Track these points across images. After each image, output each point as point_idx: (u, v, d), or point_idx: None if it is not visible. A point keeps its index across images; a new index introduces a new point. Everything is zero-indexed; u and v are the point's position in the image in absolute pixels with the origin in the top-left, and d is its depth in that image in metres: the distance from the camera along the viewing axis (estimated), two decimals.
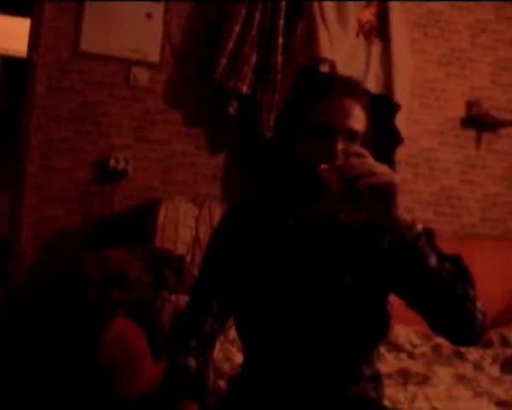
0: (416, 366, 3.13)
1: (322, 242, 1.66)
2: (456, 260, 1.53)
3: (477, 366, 3.23)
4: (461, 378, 3.00)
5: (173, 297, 3.01)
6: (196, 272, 3.31)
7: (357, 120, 1.60)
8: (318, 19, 3.85)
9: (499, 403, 2.72)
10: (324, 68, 3.79)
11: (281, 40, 3.80)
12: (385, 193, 1.42)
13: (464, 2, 4.41)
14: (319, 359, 1.64)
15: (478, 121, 4.42)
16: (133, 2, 3.81)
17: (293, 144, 1.63)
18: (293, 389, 1.65)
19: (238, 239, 1.72)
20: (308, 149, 1.59)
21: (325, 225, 1.67)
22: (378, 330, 1.70)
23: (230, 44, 3.75)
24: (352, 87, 1.65)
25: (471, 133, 4.47)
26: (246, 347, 1.81)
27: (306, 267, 1.64)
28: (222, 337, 2.96)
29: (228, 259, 1.73)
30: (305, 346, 1.63)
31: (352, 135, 1.58)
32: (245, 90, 3.75)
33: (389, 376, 2.84)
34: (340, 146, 1.56)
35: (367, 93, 1.70)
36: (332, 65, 3.86)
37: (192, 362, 1.63)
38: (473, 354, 3.37)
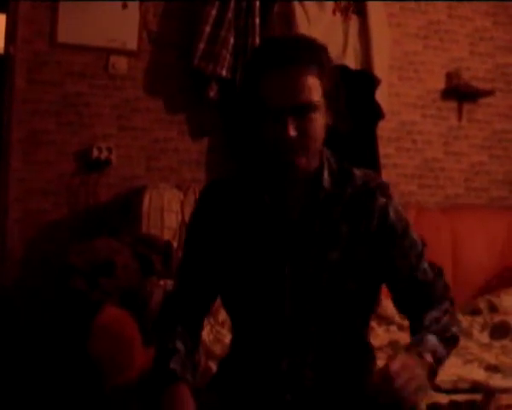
0: (406, 338, 3.11)
1: (304, 216, 1.61)
2: None
3: (466, 334, 3.27)
4: None
5: (162, 282, 3.02)
6: None
7: (309, 90, 1.48)
8: None
9: (489, 368, 2.78)
10: None
11: (257, 21, 3.79)
12: None
13: None
14: (307, 334, 1.62)
15: (458, 92, 4.44)
16: None
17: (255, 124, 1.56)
18: (281, 366, 1.63)
19: (217, 217, 1.68)
20: (265, 136, 1.53)
21: (306, 200, 1.62)
22: (366, 304, 1.69)
23: (207, 28, 3.74)
24: (297, 51, 1.49)
25: (452, 104, 4.49)
26: (234, 325, 1.79)
27: (288, 243, 1.60)
28: (212, 319, 2.98)
29: (209, 238, 1.69)
30: (292, 322, 1.60)
31: (304, 109, 1.48)
32: (224, 73, 3.74)
33: (380, 348, 2.86)
34: (291, 129, 1.46)
35: (322, 50, 1.56)
36: None
37: (180, 346, 1.61)
38: (461, 322, 3.40)
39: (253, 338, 1.69)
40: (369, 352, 1.79)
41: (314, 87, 1.49)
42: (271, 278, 1.60)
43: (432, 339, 1.53)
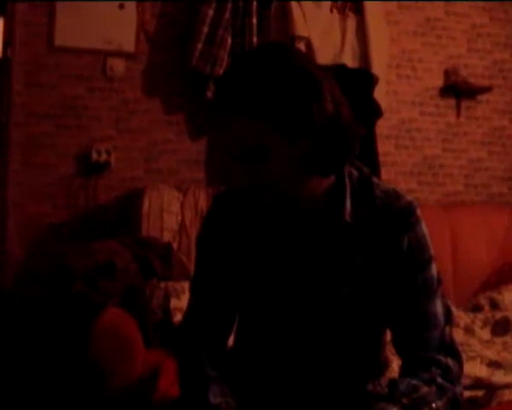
0: None
1: (318, 243, 1.50)
2: None
3: (468, 331, 3.27)
4: None
5: (162, 284, 3.02)
6: (184, 258, 3.35)
7: (241, 136, 1.34)
8: None
9: (491, 364, 2.77)
10: (300, 46, 3.79)
11: (255, 21, 3.80)
12: None
13: None
14: (314, 357, 1.55)
15: (456, 89, 4.43)
16: None
17: None
18: (284, 375, 1.58)
19: (229, 228, 1.58)
20: None
21: (322, 224, 1.49)
22: (378, 330, 1.61)
23: (205, 29, 3.74)
24: (229, 97, 1.33)
25: (450, 101, 4.49)
26: (241, 330, 1.71)
27: (304, 267, 1.50)
28: None
29: (222, 250, 1.59)
30: (300, 345, 1.55)
31: (248, 154, 1.35)
32: (222, 73, 3.75)
33: None
34: (242, 174, 1.38)
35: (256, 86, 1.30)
36: (307, 42, 3.88)
37: (212, 372, 1.52)
38: (463, 318, 3.40)
39: (258, 344, 1.63)
40: (377, 368, 1.67)
41: (249, 132, 1.33)
42: (283, 294, 1.52)
43: None
